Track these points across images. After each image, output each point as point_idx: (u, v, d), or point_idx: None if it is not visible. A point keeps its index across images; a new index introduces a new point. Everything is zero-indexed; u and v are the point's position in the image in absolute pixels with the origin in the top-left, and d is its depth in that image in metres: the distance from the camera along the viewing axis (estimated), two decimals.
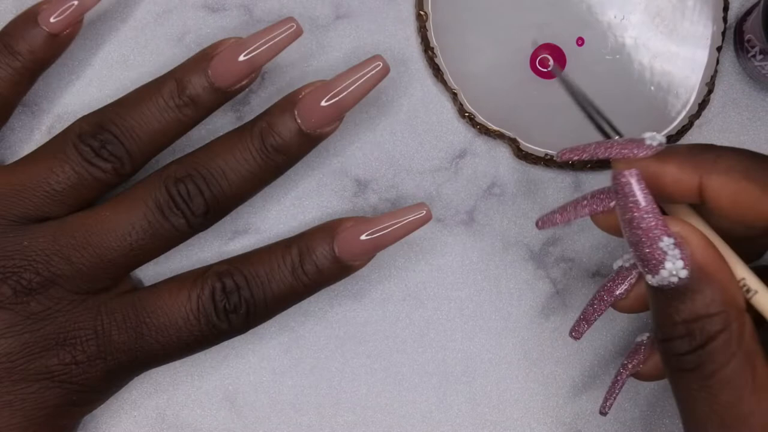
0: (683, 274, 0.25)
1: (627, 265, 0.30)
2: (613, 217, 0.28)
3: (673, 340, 0.26)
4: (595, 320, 0.31)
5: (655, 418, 0.37)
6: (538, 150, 0.36)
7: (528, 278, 0.37)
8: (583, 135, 0.36)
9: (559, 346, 0.37)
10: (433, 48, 0.36)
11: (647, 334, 0.31)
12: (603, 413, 0.32)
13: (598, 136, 0.36)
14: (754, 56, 0.34)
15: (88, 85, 0.36)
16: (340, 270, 0.33)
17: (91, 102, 0.36)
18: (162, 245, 0.33)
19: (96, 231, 0.32)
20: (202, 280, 0.33)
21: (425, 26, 0.36)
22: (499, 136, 0.36)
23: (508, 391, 0.37)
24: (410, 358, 0.37)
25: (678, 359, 0.26)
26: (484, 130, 0.36)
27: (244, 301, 0.32)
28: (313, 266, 0.33)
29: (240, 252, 0.36)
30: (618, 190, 0.26)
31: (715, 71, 0.36)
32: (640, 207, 0.25)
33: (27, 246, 0.31)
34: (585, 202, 0.28)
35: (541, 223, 0.30)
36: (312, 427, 0.36)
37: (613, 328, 0.37)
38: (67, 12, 0.33)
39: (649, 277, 0.26)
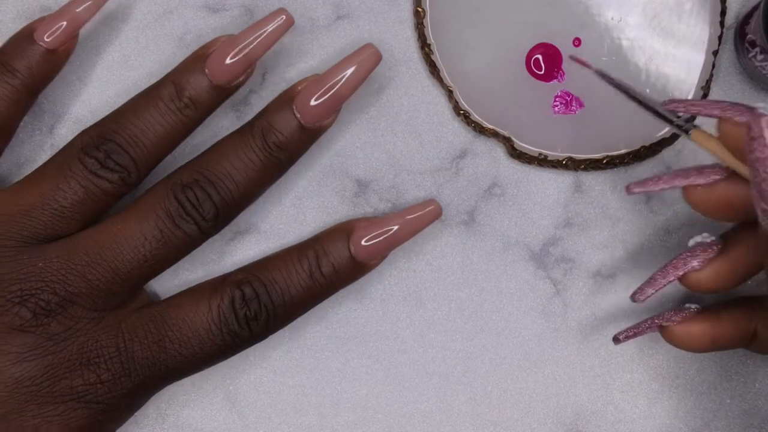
0: None
1: (707, 241, 0.31)
2: (705, 192, 0.30)
3: None
4: (662, 287, 0.32)
5: (656, 418, 0.37)
6: (532, 149, 0.36)
7: (528, 278, 0.37)
8: (578, 136, 0.36)
9: (559, 346, 0.37)
10: (429, 45, 0.36)
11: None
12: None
13: (592, 137, 0.36)
14: (754, 56, 0.34)
15: (89, 86, 0.36)
16: (356, 269, 0.34)
17: (92, 102, 0.36)
18: (175, 253, 0.33)
19: (109, 246, 0.32)
20: (221, 290, 0.33)
21: (422, 23, 0.36)
22: (493, 134, 0.36)
23: (508, 391, 0.37)
24: (411, 359, 0.37)
25: None
26: (478, 128, 0.36)
27: (264, 307, 0.32)
28: (330, 267, 0.33)
29: (241, 252, 0.36)
30: (750, 130, 0.26)
31: (711, 75, 0.36)
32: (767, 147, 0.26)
33: (42, 267, 0.31)
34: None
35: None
36: (312, 428, 0.36)
37: (613, 328, 0.37)
38: (62, 28, 0.33)
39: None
